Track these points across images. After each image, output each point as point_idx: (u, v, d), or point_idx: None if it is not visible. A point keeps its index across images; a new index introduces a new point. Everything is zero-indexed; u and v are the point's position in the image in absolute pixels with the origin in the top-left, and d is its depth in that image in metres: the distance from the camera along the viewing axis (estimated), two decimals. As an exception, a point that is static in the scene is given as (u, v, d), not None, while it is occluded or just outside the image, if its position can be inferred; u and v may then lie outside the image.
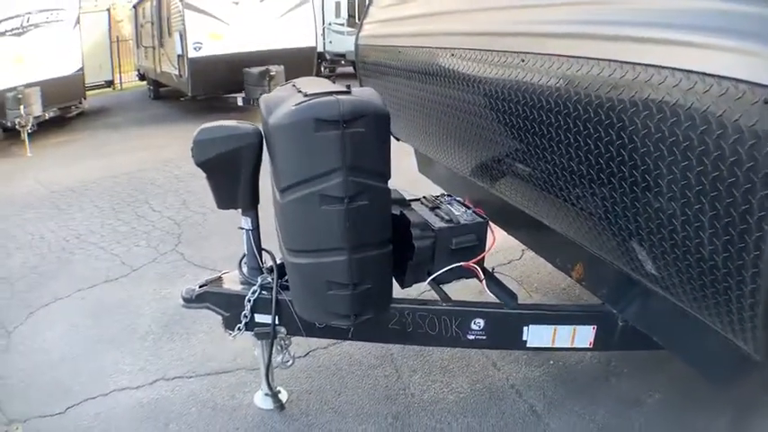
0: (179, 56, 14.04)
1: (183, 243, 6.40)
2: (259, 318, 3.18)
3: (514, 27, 2.87)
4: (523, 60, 2.64)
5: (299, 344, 3.96)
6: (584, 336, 3.12)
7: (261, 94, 11.16)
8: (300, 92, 2.68)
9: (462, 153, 3.62)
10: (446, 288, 3.36)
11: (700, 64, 1.76)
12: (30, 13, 13.74)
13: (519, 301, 3.20)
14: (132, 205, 7.89)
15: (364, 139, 2.54)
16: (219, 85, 14.44)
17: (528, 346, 3.16)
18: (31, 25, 13.76)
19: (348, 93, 2.63)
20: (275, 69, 13.36)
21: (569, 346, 3.18)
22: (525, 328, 3.10)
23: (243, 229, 3.22)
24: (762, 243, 1.65)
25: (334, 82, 3.13)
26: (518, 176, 3.05)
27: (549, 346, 3.17)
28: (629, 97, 2.01)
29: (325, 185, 2.54)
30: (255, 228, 3.22)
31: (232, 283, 3.32)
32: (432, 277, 3.13)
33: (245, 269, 3.31)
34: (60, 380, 3.94)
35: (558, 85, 2.39)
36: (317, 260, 2.72)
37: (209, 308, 3.24)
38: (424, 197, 3.48)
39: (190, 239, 6.49)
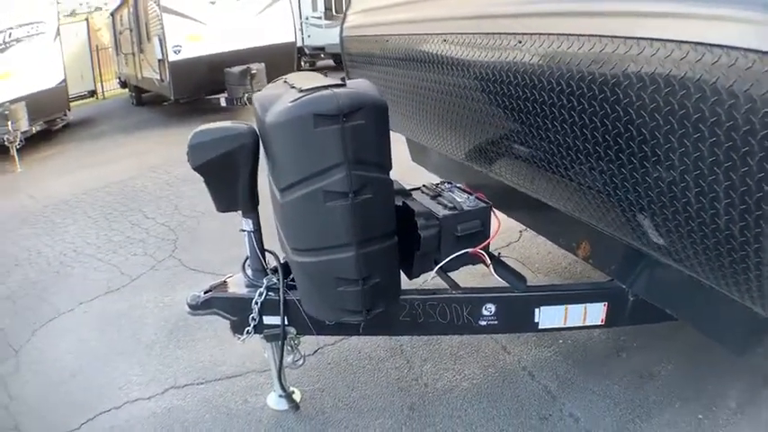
0: (159, 60, 13.94)
1: (180, 249, 6.35)
2: (267, 319, 3.14)
3: (505, 8, 2.84)
4: (520, 42, 2.60)
5: (307, 342, 3.89)
6: (595, 313, 3.11)
7: (243, 94, 11.09)
8: (294, 88, 2.64)
9: (458, 138, 3.59)
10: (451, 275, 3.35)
11: (706, 35, 1.75)
12: (11, 28, 13.64)
13: (528, 284, 3.19)
14: (125, 214, 7.85)
15: (365, 131, 2.50)
16: (201, 86, 14.35)
17: (540, 327, 3.15)
18: (13, 40, 13.66)
19: (344, 86, 2.59)
20: (256, 67, 13.31)
21: (581, 325, 3.17)
22: (537, 310, 3.09)
23: (244, 231, 3.17)
24: (764, 203, 1.68)
25: (326, 75, 3.09)
26: (517, 158, 3.02)
27: (562, 326, 3.17)
28: (636, 72, 1.99)
29: (328, 181, 2.50)
30: (257, 229, 3.17)
31: (237, 286, 3.28)
32: (439, 266, 3.10)
33: (249, 271, 3.27)
34: (73, 395, 3.92)
35: (560, 64, 2.36)
36: (325, 258, 2.68)
37: (216, 313, 3.20)
38: (424, 186, 3.45)
39: (186, 245, 6.45)
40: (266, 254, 3.26)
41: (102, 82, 23.86)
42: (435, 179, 3.77)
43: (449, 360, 3.84)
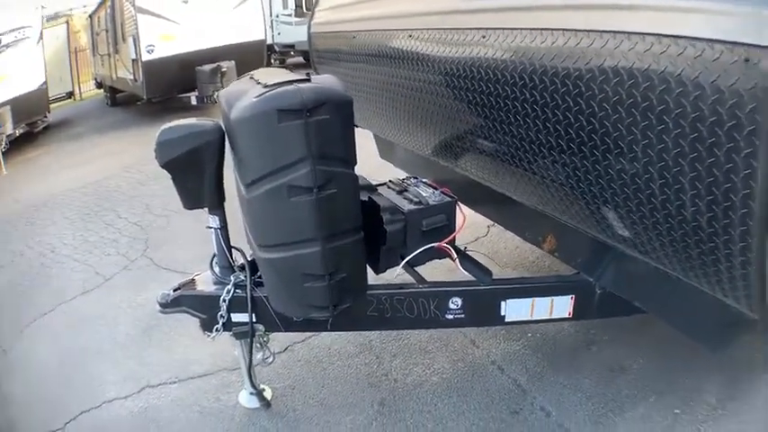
0: (133, 60, 13.88)
1: (151, 248, 6.36)
2: (236, 317, 3.13)
3: (468, 4, 2.85)
4: (484, 36, 2.61)
5: (277, 340, 3.90)
6: (562, 306, 3.12)
7: (213, 92, 11.08)
8: (260, 83, 2.64)
9: (424, 134, 3.60)
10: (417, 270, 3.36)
11: (670, 27, 1.76)
12: (2, 34, 13.64)
13: (494, 277, 3.20)
14: (99, 214, 7.87)
15: (329, 126, 2.50)
16: (174, 85, 14.32)
17: (507, 320, 3.16)
18: (3, 46, 13.65)
19: (308, 81, 2.59)
20: (226, 65, 13.34)
21: (548, 318, 3.17)
22: (503, 303, 3.10)
23: (211, 228, 3.16)
24: (750, 200, 1.65)
25: (291, 71, 3.09)
26: (482, 152, 3.03)
27: (528, 318, 3.17)
28: (598, 65, 2.01)
29: (292, 176, 2.50)
30: (224, 226, 3.15)
31: (205, 284, 3.26)
32: (405, 260, 3.12)
33: (216, 269, 3.26)
34: (57, 395, 3.95)
35: (521, 58, 2.37)
36: (290, 254, 2.68)
37: (185, 311, 3.19)
38: (390, 181, 3.47)
39: (157, 243, 6.45)
40: (233, 251, 3.25)
41: (79, 83, 23.77)
42: (403, 175, 3.78)
43: (418, 355, 3.85)
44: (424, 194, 3.19)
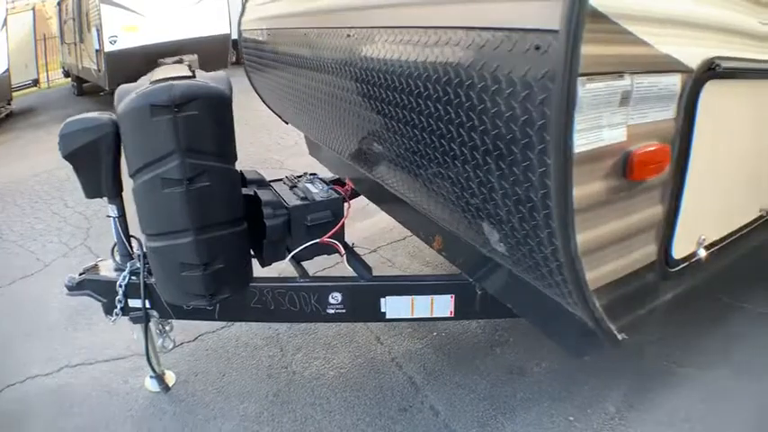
0: (96, 50, 13.75)
1: (92, 237, 6.45)
2: (132, 302, 3.25)
3: (337, 3, 2.94)
4: (349, 35, 2.67)
5: (188, 329, 4.11)
6: (443, 305, 3.17)
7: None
8: (148, 80, 2.75)
9: (327, 132, 3.62)
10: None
11: (476, 19, 1.74)
12: None
13: (375, 274, 3.29)
14: (48, 202, 7.92)
15: (199, 121, 2.61)
16: (136, 77, 13.87)
17: (388, 317, 3.23)
18: None
19: (189, 78, 2.70)
20: (188, 59, 13.01)
21: (429, 316, 3.23)
22: (383, 300, 3.17)
23: (110, 217, 3.27)
24: (548, 200, 1.58)
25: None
26: (372, 153, 3.06)
27: (409, 316, 3.24)
28: (415, 62, 2.03)
29: (164, 169, 2.62)
30: (122, 215, 3.25)
31: (107, 270, 3.38)
32: (291, 255, 3.21)
33: (117, 256, 3.36)
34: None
35: (370, 56, 2.42)
36: (168, 242, 2.79)
37: (89, 295, 3.32)
38: (286, 177, 3.56)
39: (97, 233, 6.51)
40: (132, 239, 3.34)
41: (47, 71, 23.44)
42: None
43: (321, 349, 3.93)
44: (314, 191, 3.28)
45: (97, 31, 13.20)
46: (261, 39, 4.39)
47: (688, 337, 3.68)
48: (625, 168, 1.78)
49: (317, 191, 3.29)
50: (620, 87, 1.66)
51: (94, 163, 3.04)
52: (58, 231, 6.79)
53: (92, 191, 3.17)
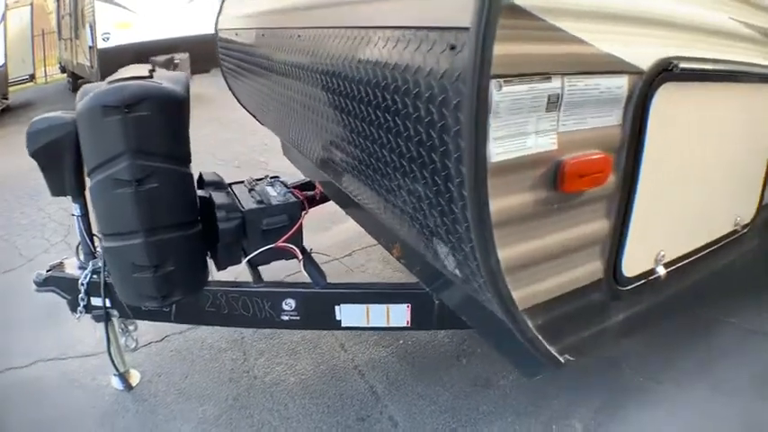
0: (90, 47, 13.79)
1: (72, 234, 6.36)
2: (95, 301, 3.27)
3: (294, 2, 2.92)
4: (299, 36, 2.66)
5: (155, 329, 4.15)
6: (399, 314, 3.12)
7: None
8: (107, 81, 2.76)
9: (292, 135, 3.59)
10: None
11: (401, 18, 1.70)
12: None
13: (330, 281, 3.26)
14: (35, 198, 7.94)
15: (149, 122, 2.61)
16: None
17: (343, 325, 3.21)
18: None
19: (146, 78, 2.71)
20: (180, 57, 13.18)
21: (386, 326, 3.19)
22: (337, 308, 3.14)
23: (74, 215, 3.31)
24: (466, 212, 1.53)
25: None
26: (329, 157, 3.03)
27: (365, 325, 3.21)
28: (345, 63, 2.03)
29: (114, 169, 2.62)
30: (85, 214, 3.30)
31: (72, 267, 3.42)
32: (246, 259, 3.20)
33: (81, 255, 3.38)
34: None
35: (304, 57, 2.45)
36: (120, 243, 2.79)
37: (54, 291, 3.36)
38: (247, 179, 3.56)
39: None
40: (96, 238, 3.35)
41: (45, 66, 23.45)
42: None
43: (284, 354, 3.93)
44: (272, 194, 3.28)
45: (91, 27, 13.23)
46: (232, 38, 4.39)
47: (669, 353, 3.61)
48: (556, 179, 1.67)
49: (275, 194, 3.28)
50: (547, 90, 1.54)
51: (58, 162, 3.07)
52: (42, 227, 6.89)
53: (56, 189, 3.21)
